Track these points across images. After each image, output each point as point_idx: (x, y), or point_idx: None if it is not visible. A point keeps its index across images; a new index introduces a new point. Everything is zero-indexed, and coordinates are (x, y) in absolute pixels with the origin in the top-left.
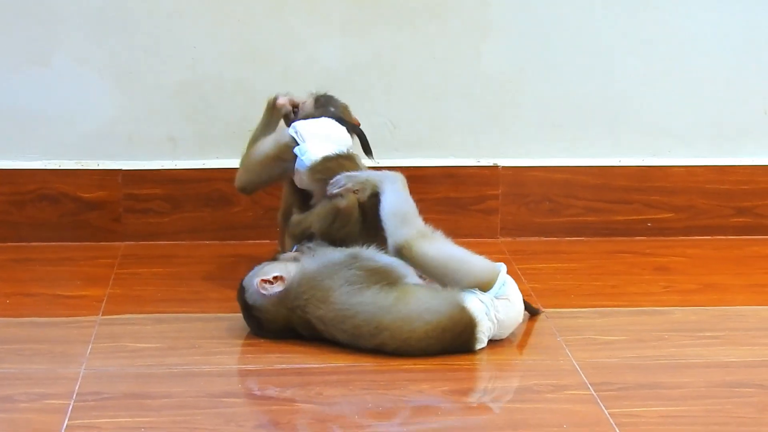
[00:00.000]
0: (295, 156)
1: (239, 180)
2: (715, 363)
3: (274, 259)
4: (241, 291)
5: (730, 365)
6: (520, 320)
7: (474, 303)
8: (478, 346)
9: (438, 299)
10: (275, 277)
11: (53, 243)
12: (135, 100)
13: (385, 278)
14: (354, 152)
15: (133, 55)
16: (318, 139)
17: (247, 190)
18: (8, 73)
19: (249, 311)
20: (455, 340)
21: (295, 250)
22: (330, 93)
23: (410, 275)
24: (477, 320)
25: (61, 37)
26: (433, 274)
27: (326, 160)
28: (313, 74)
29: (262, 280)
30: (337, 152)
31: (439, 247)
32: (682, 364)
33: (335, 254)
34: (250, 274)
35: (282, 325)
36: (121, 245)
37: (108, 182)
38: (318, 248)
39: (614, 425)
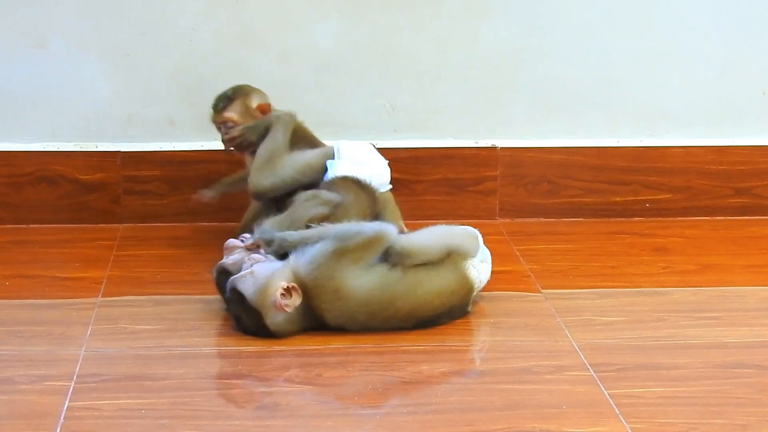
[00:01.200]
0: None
1: (263, 183)
2: (714, 344)
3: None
4: (251, 312)
5: (728, 346)
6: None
7: (470, 269)
8: (470, 307)
9: (443, 267)
10: (288, 288)
11: (52, 225)
12: (133, 81)
13: (379, 248)
14: (383, 190)
15: (130, 37)
16: (350, 161)
17: (268, 193)
18: (5, 55)
19: (267, 332)
20: (459, 301)
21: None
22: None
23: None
24: (474, 285)
25: (58, 19)
26: (435, 256)
27: (340, 178)
28: (309, 56)
29: (282, 294)
30: (354, 177)
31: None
32: (681, 344)
33: (320, 246)
34: (244, 285)
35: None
36: (120, 227)
37: (106, 164)
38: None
39: (614, 406)
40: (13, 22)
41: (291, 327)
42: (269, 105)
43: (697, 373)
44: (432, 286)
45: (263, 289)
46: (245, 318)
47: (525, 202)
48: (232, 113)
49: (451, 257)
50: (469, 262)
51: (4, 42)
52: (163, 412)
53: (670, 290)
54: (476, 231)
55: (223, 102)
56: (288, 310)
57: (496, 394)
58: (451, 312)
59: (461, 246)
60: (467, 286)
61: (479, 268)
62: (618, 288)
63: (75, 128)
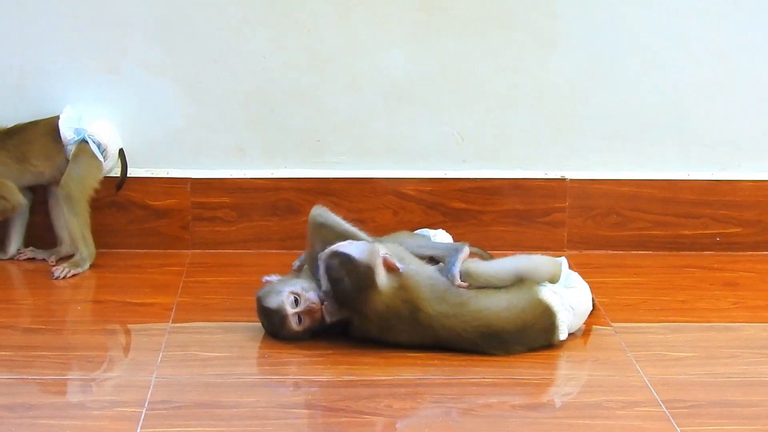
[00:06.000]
0: None
1: None
2: None
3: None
4: (360, 269)
5: None
6: (591, 308)
7: (548, 294)
8: (561, 336)
9: (514, 288)
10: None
11: (122, 250)
12: (204, 108)
13: None
14: None
15: (202, 64)
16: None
17: None
18: (79, 81)
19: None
20: (536, 321)
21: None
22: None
23: None
24: (555, 310)
25: (132, 45)
26: (505, 280)
27: None
28: (379, 83)
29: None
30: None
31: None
32: (755, 381)
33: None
34: (349, 248)
35: (382, 311)
36: (189, 253)
37: (177, 190)
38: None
39: None
40: (88, 48)
41: (392, 294)
42: None
43: None
44: (501, 297)
45: (371, 250)
46: (350, 278)
47: (593, 234)
48: None
49: (523, 284)
50: (545, 288)
51: (79, 67)
52: None
53: (742, 326)
54: (561, 259)
55: None
56: (400, 268)
57: (566, 429)
58: (529, 331)
59: (534, 270)
60: (541, 308)
61: (564, 295)
62: (688, 323)
63: (146, 154)
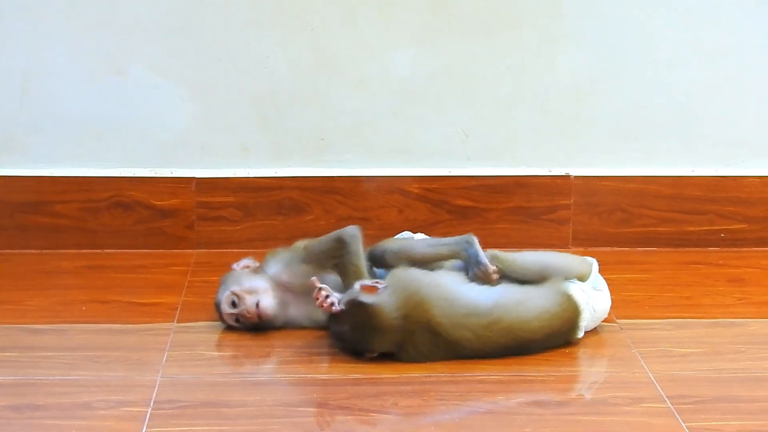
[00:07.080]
0: None
1: None
2: None
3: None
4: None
5: None
6: (606, 315)
7: (577, 292)
8: (579, 334)
9: (544, 288)
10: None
11: (127, 250)
12: (209, 108)
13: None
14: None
15: (208, 65)
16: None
17: None
18: (85, 82)
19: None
20: (562, 326)
21: None
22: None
23: None
24: (581, 308)
25: (138, 47)
26: (533, 272)
27: None
28: (385, 84)
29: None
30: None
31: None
32: (760, 377)
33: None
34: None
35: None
36: (194, 253)
37: (181, 190)
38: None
39: None
40: (93, 49)
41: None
42: None
43: None
44: (530, 305)
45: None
46: (360, 322)
47: (599, 231)
48: None
49: (553, 279)
50: (575, 285)
51: (84, 68)
52: None
53: (747, 321)
54: (592, 259)
55: None
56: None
57: (573, 425)
58: (554, 336)
59: (563, 266)
60: (570, 309)
61: (590, 295)
62: (694, 319)
63: (151, 154)
